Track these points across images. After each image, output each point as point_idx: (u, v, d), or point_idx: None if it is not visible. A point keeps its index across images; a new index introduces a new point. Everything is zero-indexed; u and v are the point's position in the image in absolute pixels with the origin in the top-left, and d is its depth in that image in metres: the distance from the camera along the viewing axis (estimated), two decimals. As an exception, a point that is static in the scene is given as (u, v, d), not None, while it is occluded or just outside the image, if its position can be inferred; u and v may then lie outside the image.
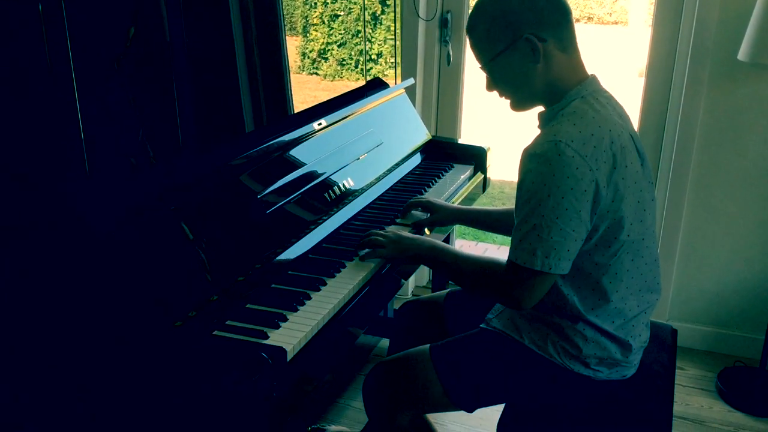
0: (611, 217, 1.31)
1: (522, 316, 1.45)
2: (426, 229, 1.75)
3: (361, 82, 2.15)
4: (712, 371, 2.47)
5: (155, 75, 1.33)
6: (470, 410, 1.49)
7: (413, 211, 1.80)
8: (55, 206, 1.17)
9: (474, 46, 1.40)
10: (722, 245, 2.48)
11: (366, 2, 2.12)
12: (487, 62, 1.38)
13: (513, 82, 1.39)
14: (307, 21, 1.90)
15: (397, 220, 1.77)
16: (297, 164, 1.64)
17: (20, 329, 1.23)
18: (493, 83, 1.41)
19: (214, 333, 1.21)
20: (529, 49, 1.33)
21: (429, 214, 1.77)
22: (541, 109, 1.42)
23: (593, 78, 1.39)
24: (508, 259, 1.34)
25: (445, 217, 1.77)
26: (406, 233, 1.58)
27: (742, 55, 2.15)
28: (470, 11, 1.40)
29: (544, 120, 1.40)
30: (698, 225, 2.49)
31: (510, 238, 1.36)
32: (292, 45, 1.81)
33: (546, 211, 1.26)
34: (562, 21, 1.35)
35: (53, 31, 1.08)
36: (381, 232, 1.57)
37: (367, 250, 1.53)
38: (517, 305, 1.35)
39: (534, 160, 1.28)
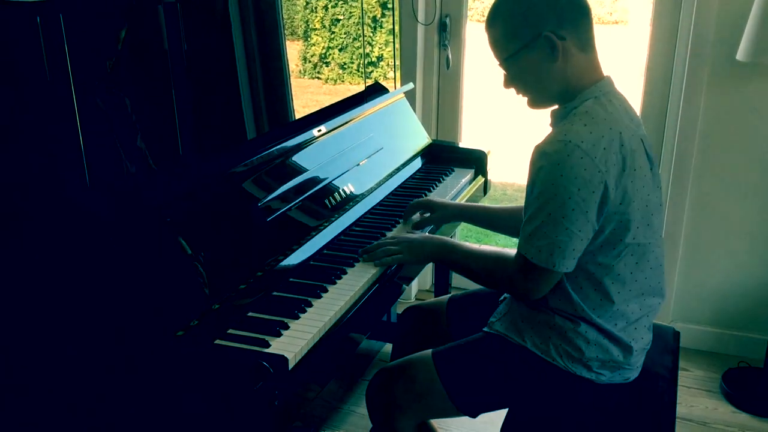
0: (618, 219, 1.31)
1: (524, 320, 1.45)
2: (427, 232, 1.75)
3: (363, 86, 2.15)
4: (716, 372, 2.46)
5: (154, 81, 1.33)
6: (474, 415, 1.49)
7: (415, 215, 1.80)
8: (55, 215, 1.17)
9: (492, 43, 1.40)
10: (724, 245, 2.48)
11: (366, 6, 2.13)
12: (505, 59, 1.38)
13: (531, 80, 1.39)
14: (308, 25, 1.90)
15: (399, 221, 1.77)
16: (298, 171, 1.64)
17: (23, 337, 1.23)
18: (511, 81, 1.41)
19: (215, 342, 1.21)
20: (548, 47, 1.33)
21: (430, 214, 1.78)
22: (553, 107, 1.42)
23: (608, 79, 1.39)
24: (517, 251, 1.36)
25: (446, 215, 1.77)
26: (411, 234, 1.59)
27: (740, 54, 2.14)
28: (490, 8, 1.40)
29: (557, 118, 1.40)
30: (700, 225, 2.49)
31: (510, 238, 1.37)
32: (294, 49, 1.81)
33: (553, 210, 1.28)
34: (582, 19, 1.35)
35: (51, 41, 1.08)
36: (388, 240, 1.58)
37: (384, 258, 1.52)
38: (524, 297, 1.40)
39: (544, 158, 1.29)
